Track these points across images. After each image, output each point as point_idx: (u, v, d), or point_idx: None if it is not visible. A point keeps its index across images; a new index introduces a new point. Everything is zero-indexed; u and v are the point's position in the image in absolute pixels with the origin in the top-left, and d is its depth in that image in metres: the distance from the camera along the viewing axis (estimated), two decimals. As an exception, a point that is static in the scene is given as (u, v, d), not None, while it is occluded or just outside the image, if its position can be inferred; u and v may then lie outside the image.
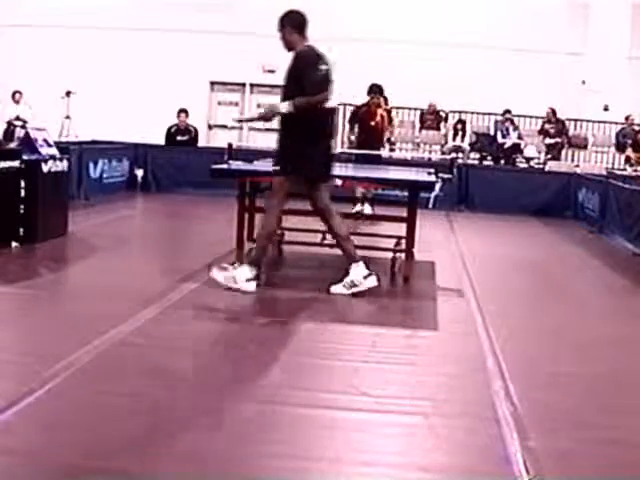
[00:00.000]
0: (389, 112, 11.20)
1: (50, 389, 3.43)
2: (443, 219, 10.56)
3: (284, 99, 5.57)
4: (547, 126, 15.62)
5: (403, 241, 6.44)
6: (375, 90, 10.79)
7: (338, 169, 8.04)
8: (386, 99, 15.65)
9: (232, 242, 6.46)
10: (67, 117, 14.98)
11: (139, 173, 12.90)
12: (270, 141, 16.71)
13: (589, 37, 16.24)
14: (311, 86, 5.43)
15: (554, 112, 15.63)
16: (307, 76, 5.47)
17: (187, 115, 13.76)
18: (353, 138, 10.85)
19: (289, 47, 5.73)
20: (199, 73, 16.91)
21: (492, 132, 15.36)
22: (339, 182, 6.16)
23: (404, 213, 6.22)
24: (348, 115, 16.98)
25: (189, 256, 7.17)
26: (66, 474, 2.71)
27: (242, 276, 5.52)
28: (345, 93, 16.35)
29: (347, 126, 11.71)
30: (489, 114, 15.92)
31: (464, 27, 16.28)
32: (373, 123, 10.69)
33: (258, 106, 17.59)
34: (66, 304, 5.33)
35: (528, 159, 15.08)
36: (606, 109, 16.07)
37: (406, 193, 6.43)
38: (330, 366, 4.04)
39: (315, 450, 3.05)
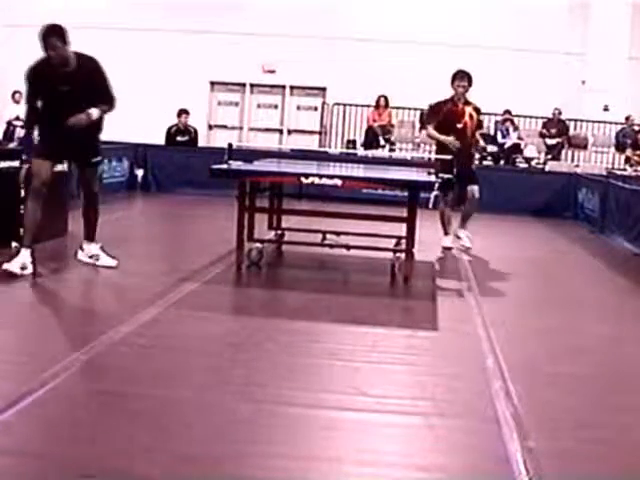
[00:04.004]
0: (479, 111, 8.28)
1: (50, 389, 3.42)
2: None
3: (80, 103, 5.81)
4: (545, 132, 15.63)
5: (403, 241, 6.44)
6: (464, 78, 7.97)
7: (338, 169, 8.07)
8: (387, 101, 15.72)
9: (232, 242, 6.45)
10: (67, 117, 14.96)
11: (139, 173, 12.90)
12: (270, 141, 16.30)
13: (589, 37, 16.24)
14: (112, 99, 6.01)
15: (559, 112, 15.65)
16: (108, 86, 6.04)
17: (188, 115, 13.76)
18: (446, 137, 7.93)
19: (65, 61, 5.89)
20: (199, 73, 16.90)
21: (492, 132, 15.37)
22: (339, 182, 6.16)
23: (404, 213, 6.22)
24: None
25: (189, 256, 7.17)
26: (66, 474, 2.70)
27: (99, 251, 6.20)
28: (345, 93, 16.49)
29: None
30: (489, 114, 15.92)
31: (464, 27, 16.28)
32: (460, 125, 7.96)
33: (258, 106, 17.63)
34: (66, 304, 5.33)
35: (528, 159, 15.09)
36: (606, 109, 16.07)
37: (406, 193, 6.42)
38: (330, 366, 4.04)
39: (315, 450, 3.05)
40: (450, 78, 7.97)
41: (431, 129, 8.17)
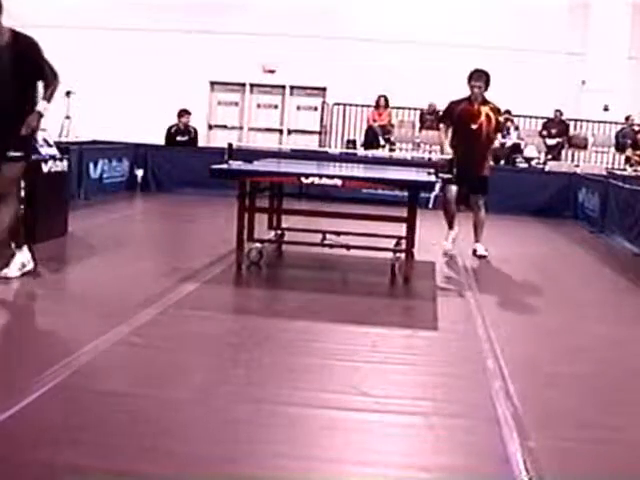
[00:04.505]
0: (498, 111, 7.84)
1: (50, 389, 3.42)
2: (443, 219, 10.54)
3: (12, 81, 5.31)
4: (545, 133, 15.65)
5: (403, 241, 6.44)
6: (480, 77, 7.56)
7: (338, 169, 8.07)
8: (387, 101, 15.71)
9: (232, 242, 6.46)
10: (67, 117, 14.97)
11: (139, 173, 12.91)
12: (270, 141, 16.23)
13: (589, 37, 16.27)
14: (55, 75, 5.47)
15: (561, 113, 15.66)
16: (47, 64, 5.47)
17: (189, 116, 13.74)
18: (447, 146, 7.73)
19: None
20: (199, 73, 16.92)
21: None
22: (339, 182, 6.15)
23: (404, 213, 6.22)
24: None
25: (189, 256, 7.17)
26: (66, 474, 2.70)
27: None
28: (345, 93, 16.50)
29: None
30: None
31: (464, 27, 16.30)
32: (475, 126, 7.57)
33: (258, 106, 17.64)
34: (66, 304, 5.33)
35: (528, 159, 15.09)
36: (606, 109, 16.08)
37: (406, 193, 6.42)
38: (330, 366, 4.04)
39: (315, 450, 3.05)
40: (467, 77, 7.61)
41: (442, 130, 7.93)
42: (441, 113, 8.60)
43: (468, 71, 7.76)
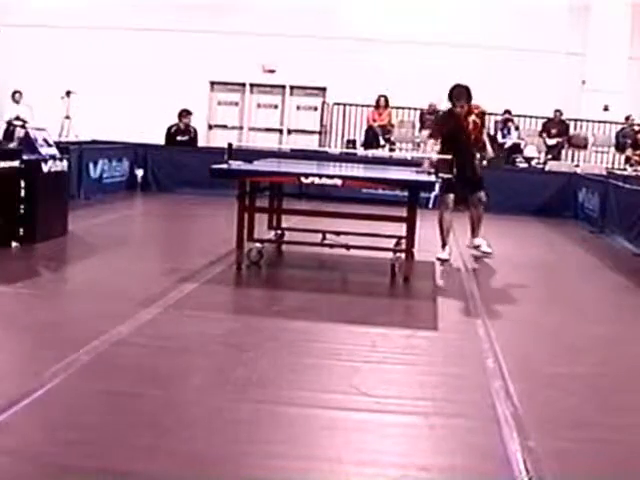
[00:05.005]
0: (483, 114, 7.81)
1: (50, 389, 3.42)
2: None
3: None
4: (545, 135, 15.64)
5: (403, 241, 6.44)
6: (461, 95, 7.44)
7: (338, 169, 8.07)
8: (387, 101, 15.66)
9: (232, 242, 6.46)
10: (67, 117, 14.98)
11: (139, 173, 12.91)
12: (270, 141, 16.21)
13: (589, 37, 16.26)
14: None
15: (561, 113, 15.66)
16: None
17: (190, 116, 13.71)
18: (435, 147, 7.62)
19: None
20: (199, 73, 16.92)
21: (492, 132, 15.36)
22: (339, 182, 6.15)
23: (404, 213, 6.22)
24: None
25: (189, 256, 7.17)
26: (66, 474, 2.70)
27: None
28: (345, 93, 16.49)
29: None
30: (489, 114, 15.90)
31: (464, 27, 16.28)
32: (464, 137, 7.53)
33: (258, 106, 17.64)
34: (66, 304, 5.33)
35: (528, 159, 15.08)
36: (606, 109, 16.08)
37: (406, 193, 6.42)
38: (330, 366, 4.04)
39: (315, 450, 3.05)
40: (448, 94, 7.51)
41: (430, 145, 7.80)
42: (430, 131, 8.41)
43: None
